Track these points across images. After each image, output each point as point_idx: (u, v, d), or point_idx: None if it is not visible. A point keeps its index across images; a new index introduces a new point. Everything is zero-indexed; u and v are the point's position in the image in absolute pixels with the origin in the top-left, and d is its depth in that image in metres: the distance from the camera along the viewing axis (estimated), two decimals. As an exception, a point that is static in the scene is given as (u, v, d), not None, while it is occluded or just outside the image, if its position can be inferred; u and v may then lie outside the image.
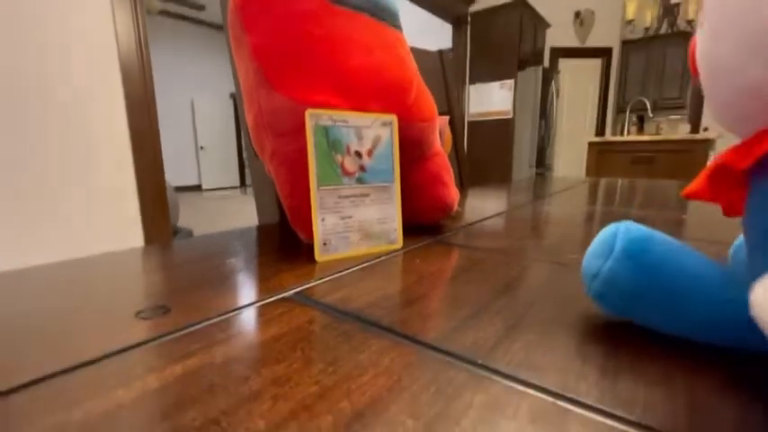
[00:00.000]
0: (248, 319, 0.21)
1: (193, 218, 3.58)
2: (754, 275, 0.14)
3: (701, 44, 0.18)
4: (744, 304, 0.14)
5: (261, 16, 0.33)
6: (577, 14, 3.94)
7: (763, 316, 0.12)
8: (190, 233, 2.41)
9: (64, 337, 0.19)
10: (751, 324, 0.13)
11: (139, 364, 0.17)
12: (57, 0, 1.08)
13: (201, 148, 6.50)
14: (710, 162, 0.17)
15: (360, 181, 0.33)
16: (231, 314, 0.22)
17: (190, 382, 0.15)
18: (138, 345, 0.18)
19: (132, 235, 1.29)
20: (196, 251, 0.37)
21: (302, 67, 0.32)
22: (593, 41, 4.01)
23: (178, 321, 0.21)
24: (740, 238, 0.22)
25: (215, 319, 0.21)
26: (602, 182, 1.06)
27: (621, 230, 0.18)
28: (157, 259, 0.36)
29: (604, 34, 4.02)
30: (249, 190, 6.63)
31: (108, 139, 1.21)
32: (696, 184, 0.18)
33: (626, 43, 4.03)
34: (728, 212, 0.18)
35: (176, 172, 6.04)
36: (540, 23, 3.71)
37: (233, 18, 0.35)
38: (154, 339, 0.19)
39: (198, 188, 6.59)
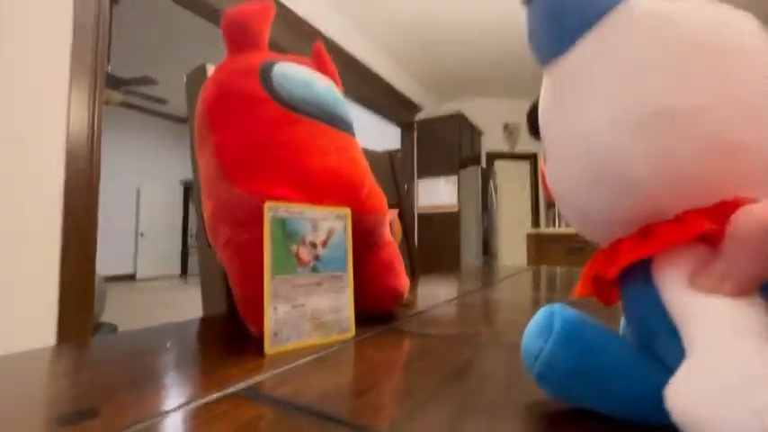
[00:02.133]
0: (189, 419, 0.20)
1: (121, 311, 3.21)
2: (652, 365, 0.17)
3: (549, 177, 0.23)
4: (663, 386, 0.15)
5: (226, 119, 0.37)
6: (506, 126, 4.61)
7: (678, 416, 0.13)
8: (114, 329, 2.15)
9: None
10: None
11: (58, 478, 0.15)
12: (12, 77, 1.09)
13: (141, 234, 6.15)
14: (587, 266, 0.21)
15: (314, 270, 0.34)
16: (170, 413, 0.20)
17: (118, 494, 0.14)
18: (57, 455, 0.16)
19: (42, 330, 1.12)
20: (125, 348, 0.34)
21: (262, 164, 0.35)
22: (521, 147, 4.63)
23: (109, 426, 0.19)
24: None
25: (152, 420, 0.19)
26: (543, 270, 1.14)
27: (557, 312, 0.20)
28: (77, 358, 0.32)
29: (530, 142, 4.70)
30: (190, 279, 6.20)
31: (36, 226, 1.12)
32: (583, 286, 0.21)
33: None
34: (606, 303, 0.21)
35: (109, 260, 5.56)
36: (476, 131, 4.28)
37: (200, 118, 0.38)
38: (76, 448, 0.17)
39: (131, 277, 6.05)
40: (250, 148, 0.36)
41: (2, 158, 1.06)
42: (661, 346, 0.17)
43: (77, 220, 1.21)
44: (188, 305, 3.59)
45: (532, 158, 4.69)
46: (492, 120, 4.52)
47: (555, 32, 0.20)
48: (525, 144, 4.63)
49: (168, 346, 0.34)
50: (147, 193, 6.23)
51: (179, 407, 0.21)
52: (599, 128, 0.18)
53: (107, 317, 2.37)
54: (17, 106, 1.10)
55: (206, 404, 0.21)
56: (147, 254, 6.22)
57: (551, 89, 0.21)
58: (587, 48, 0.18)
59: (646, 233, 0.17)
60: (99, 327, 2.07)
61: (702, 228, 0.15)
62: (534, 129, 0.24)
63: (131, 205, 6.11)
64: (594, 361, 0.18)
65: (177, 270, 6.69)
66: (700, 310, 0.15)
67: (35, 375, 0.28)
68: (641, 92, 0.17)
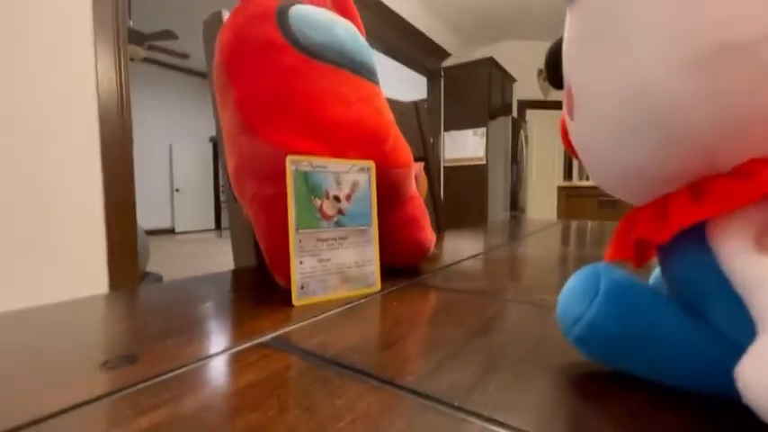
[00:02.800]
0: (221, 367, 0.21)
1: (164, 262, 3.44)
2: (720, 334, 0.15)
3: (576, 132, 0.20)
4: (718, 356, 0.14)
5: (245, 70, 0.35)
6: (540, 72, 4.29)
7: (756, 400, 0.12)
8: (159, 278, 2.31)
9: (22, 390, 0.18)
10: (728, 374, 0.13)
11: (104, 418, 0.16)
12: (39, 41, 1.10)
13: (177, 190, 6.40)
14: (621, 227, 0.19)
15: (338, 224, 0.34)
16: (203, 362, 0.21)
17: (158, 434, 0.15)
18: (103, 397, 0.17)
19: (97, 279, 1.23)
20: (166, 297, 0.36)
21: (284, 116, 0.34)
22: (556, 95, 4.34)
23: (146, 371, 0.20)
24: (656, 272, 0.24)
25: (186, 368, 0.20)
26: (573, 224, 1.11)
27: (603, 274, 0.18)
28: (124, 306, 0.35)
29: (566, 89, 4.38)
30: (224, 233, 6.49)
31: (78, 184, 1.18)
32: (619, 249, 0.19)
33: (585, 97, 4.38)
34: (638, 265, 0.19)
35: (149, 215, 5.88)
36: (507, 78, 4.02)
37: (218, 71, 0.37)
38: (119, 391, 0.18)
39: (171, 231, 6.40)
40: (270, 99, 0.34)
41: (39, 122, 1.10)
42: (716, 314, 0.16)
43: (116, 177, 1.27)
44: (222, 256, 3.79)
45: (568, 107, 4.41)
46: (525, 65, 4.20)
47: None
48: (560, 91, 4.33)
49: (204, 296, 0.35)
50: (179, 149, 6.39)
51: (211, 356, 0.22)
52: (644, 70, 0.15)
53: (152, 267, 2.54)
54: (46, 69, 1.11)
55: (238, 353, 0.22)
56: (184, 209, 6.51)
57: (580, 28, 0.18)
58: None
59: (699, 190, 0.15)
60: (145, 276, 2.23)
61: None
62: (555, 77, 0.20)
63: (165, 162, 6.31)
64: (643, 326, 0.17)
65: (212, 224, 7.00)
66: None
67: (87, 321, 0.30)
68: (693, 24, 0.14)
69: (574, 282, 0.19)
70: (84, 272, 1.19)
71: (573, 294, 0.19)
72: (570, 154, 0.22)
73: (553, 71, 0.20)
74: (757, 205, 0.14)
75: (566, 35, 0.19)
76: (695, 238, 0.15)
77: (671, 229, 0.15)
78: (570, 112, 0.20)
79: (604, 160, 0.19)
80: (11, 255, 1.04)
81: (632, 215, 0.19)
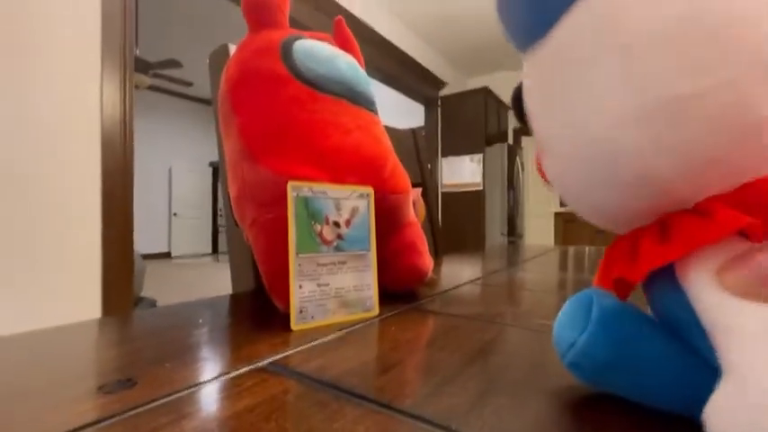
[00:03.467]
0: (219, 391, 0.21)
1: (160, 287, 3.39)
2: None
3: (547, 170, 0.20)
4: (705, 382, 0.15)
5: (250, 100, 0.37)
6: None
7: None
8: (153, 303, 2.28)
9: (17, 416, 0.18)
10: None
11: (101, 442, 0.16)
12: (47, 66, 1.13)
13: (175, 214, 6.41)
14: (605, 257, 0.20)
15: (337, 249, 0.34)
16: (201, 386, 0.21)
17: (156, 458, 0.15)
18: (100, 421, 0.17)
19: (91, 303, 1.21)
20: (161, 322, 0.36)
21: (286, 144, 0.35)
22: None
23: (144, 395, 0.20)
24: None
25: (184, 392, 0.20)
26: (570, 250, 1.11)
27: (596, 300, 0.18)
28: (118, 331, 0.34)
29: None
30: (222, 257, 6.45)
31: (78, 206, 1.19)
32: (603, 282, 0.19)
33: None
34: (623, 299, 0.19)
35: (146, 239, 5.85)
36: (503, 107, 4.13)
37: (223, 100, 0.38)
38: (118, 415, 0.18)
39: (167, 255, 6.35)
40: (273, 127, 0.36)
41: (43, 146, 1.12)
42: (697, 344, 0.16)
43: (115, 201, 1.28)
44: (219, 281, 3.75)
45: (562, 134, 4.51)
46: (520, 94, 4.33)
47: (534, 9, 0.17)
48: (555, 119, 4.44)
49: (201, 321, 0.35)
50: (178, 174, 6.45)
51: (210, 380, 0.22)
52: (599, 121, 0.15)
53: (146, 292, 2.51)
54: (54, 94, 1.14)
55: (235, 377, 0.22)
56: (181, 233, 6.50)
57: (536, 80, 0.18)
58: (574, 27, 0.16)
59: (666, 229, 0.16)
60: (140, 301, 2.20)
61: (739, 223, 0.13)
62: (520, 115, 0.21)
63: (164, 187, 6.34)
64: (631, 353, 0.17)
65: (209, 249, 6.97)
66: (734, 320, 0.13)
67: (81, 346, 0.30)
68: (642, 77, 0.14)
69: (568, 307, 0.20)
70: (78, 296, 1.18)
71: (567, 320, 0.19)
72: (546, 185, 0.23)
73: (519, 114, 0.21)
74: (718, 245, 0.14)
75: (524, 83, 0.20)
76: (668, 277, 0.16)
77: (642, 270, 0.16)
78: (540, 152, 0.21)
79: (575, 198, 0.19)
80: (5, 277, 1.03)
81: (613, 247, 0.19)
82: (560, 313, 0.20)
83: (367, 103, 0.42)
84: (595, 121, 0.16)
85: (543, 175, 0.22)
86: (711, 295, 0.14)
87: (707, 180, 0.15)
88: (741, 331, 0.13)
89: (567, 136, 0.17)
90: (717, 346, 0.14)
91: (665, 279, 0.16)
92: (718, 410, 0.13)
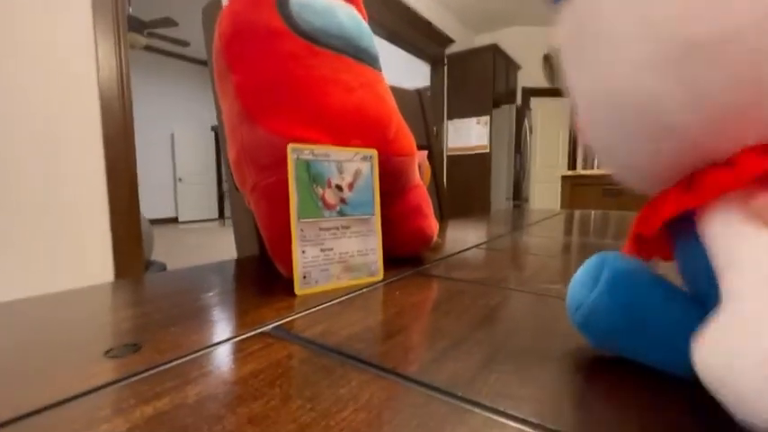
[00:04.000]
0: (224, 356, 0.21)
1: (168, 251, 3.46)
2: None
3: (583, 127, 0.20)
4: None
5: (245, 56, 0.35)
6: (546, 58, 4.23)
7: (705, 377, 0.12)
8: (163, 267, 2.33)
9: (26, 379, 0.18)
10: None
11: (107, 406, 0.16)
12: (38, 30, 1.09)
13: (180, 180, 6.41)
14: (634, 222, 0.19)
15: (341, 213, 0.34)
16: (206, 351, 0.21)
17: (161, 423, 0.15)
18: (107, 385, 0.17)
19: (102, 269, 1.24)
20: (170, 286, 0.36)
21: (284, 103, 0.34)
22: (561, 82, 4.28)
23: (149, 360, 0.20)
24: None
25: (189, 357, 0.20)
26: (577, 214, 1.10)
27: (608, 262, 0.18)
28: (128, 295, 0.35)
29: (571, 76, 4.30)
30: (228, 222, 6.51)
31: (82, 172, 1.18)
32: (629, 245, 0.19)
33: (591, 84, 4.31)
34: (668, 259, 0.19)
35: (153, 204, 5.90)
36: (512, 65, 3.96)
37: (218, 57, 0.36)
38: (123, 379, 0.18)
39: (174, 220, 6.43)
40: (270, 86, 0.34)
41: (41, 114, 1.09)
42: (713, 306, 0.15)
43: (119, 166, 1.27)
44: (226, 245, 3.81)
45: (573, 94, 4.34)
46: (530, 51, 4.13)
47: None
48: (566, 78, 4.27)
49: (206, 286, 0.35)
50: (181, 140, 6.37)
51: (214, 345, 0.22)
52: (618, 70, 0.15)
53: (156, 256, 2.56)
54: (48, 60, 1.10)
55: (240, 342, 0.22)
56: (187, 198, 6.52)
57: (568, 32, 0.18)
58: None
59: (690, 182, 0.15)
60: (150, 265, 2.25)
61: (759, 168, 0.13)
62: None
63: (167, 151, 6.30)
64: (639, 316, 0.17)
65: (215, 214, 7.02)
66: (748, 253, 0.13)
67: (90, 309, 0.30)
68: (659, 22, 0.14)
69: (582, 269, 0.20)
70: (91, 260, 1.20)
71: (579, 282, 0.19)
72: (586, 147, 0.22)
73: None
74: (742, 192, 0.13)
75: (558, 37, 0.20)
76: (695, 231, 0.15)
77: (657, 221, 0.16)
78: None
79: (606, 156, 0.19)
80: (18, 245, 1.05)
81: (640, 210, 0.19)
82: (574, 275, 0.20)
83: (370, 60, 0.40)
84: (616, 70, 0.15)
85: (581, 137, 0.21)
86: (729, 234, 0.13)
87: (735, 132, 0.14)
88: (748, 260, 0.13)
89: (595, 90, 0.17)
90: (722, 281, 0.13)
91: (691, 234, 0.16)
92: (706, 341, 0.13)
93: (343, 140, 0.35)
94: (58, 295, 0.32)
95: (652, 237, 0.17)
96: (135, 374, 0.18)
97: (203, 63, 6.28)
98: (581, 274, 0.20)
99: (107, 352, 0.21)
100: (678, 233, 0.17)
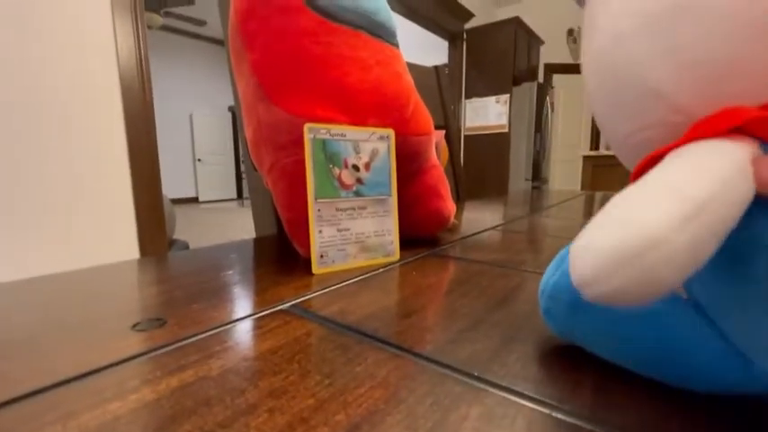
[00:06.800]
0: (245, 332, 0.21)
1: (190, 230, 3.56)
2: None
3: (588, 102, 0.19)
4: (690, 342, 0.14)
5: (261, 33, 0.34)
6: (570, 32, 4.03)
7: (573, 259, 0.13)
8: (186, 245, 2.40)
9: (59, 349, 0.19)
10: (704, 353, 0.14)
11: (135, 377, 0.17)
12: (58, 12, 1.10)
13: (199, 160, 6.51)
14: None
15: (357, 194, 0.34)
16: (228, 326, 0.22)
17: (186, 394, 0.15)
18: (134, 357, 0.18)
19: (127, 247, 1.28)
20: (192, 264, 0.37)
21: (301, 82, 0.33)
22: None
23: (174, 334, 0.21)
24: None
25: (211, 332, 0.21)
26: (598, 195, 1.07)
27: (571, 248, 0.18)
28: (153, 272, 0.36)
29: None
30: (246, 202, 6.62)
31: (105, 152, 1.21)
32: None
33: (618, 60, 4.11)
34: None
35: (173, 184, 6.04)
36: (534, 40, 3.79)
37: (234, 35, 0.36)
38: (150, 352, 0.19)
39: (195, 200, 6.58)
40: (287, 64, 0.33)
41: (63, 96, 1.11)
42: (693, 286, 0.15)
43: (140, 144, 1.29)
44: (244, 225, 3.89)
45: (599, 70, 4.15)
46: (554, 25, 3.95)
47: None
48: (592, 53, 4.07)
49: (226, 265, 0.36)
50: (199, 120, 6.45)
51: (234, 321, 0.22)
52: (607, 35, 0.15)
53: (178, 234, 2.63)
54: (67, 38, 1.12)
55: (259, 319, 0.23)
56: (206, 178, 6.65)
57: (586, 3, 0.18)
58: None
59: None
60: (173, 243, 2.32)
61: (747, 114, 0.12)
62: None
63: (186, 132, 6.39)
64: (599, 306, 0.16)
65: (234, 194, 7.15)
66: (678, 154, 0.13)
67: (118, 285, 0.31)
68: None
69: (556, 257, 0.19)
70: (116, 238, 1.25)
71: (547, 270, 0.19)
72: None
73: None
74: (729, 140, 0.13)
75: None
76: None
77: (638, 167, 0.15)
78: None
79: (601, 127, 0.19)
80: (47, 224, 1.10)
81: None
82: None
83: (388, 36, 0.39)
84: (605, 33, 0.16)
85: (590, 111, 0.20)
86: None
87: (719, 97, 0.13)
88: (676, 158, 0.13)
89: (591, 56, 0.17)
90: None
91: None
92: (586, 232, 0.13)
93: (359, 119, 0.34)
94: (85, 271, 0.33)
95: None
96: (161, 347, 0.19)
97: (220, 42, 6.26)
98: (551, 263, 0.19)
99: (134, 326, 0.22)
100: None
